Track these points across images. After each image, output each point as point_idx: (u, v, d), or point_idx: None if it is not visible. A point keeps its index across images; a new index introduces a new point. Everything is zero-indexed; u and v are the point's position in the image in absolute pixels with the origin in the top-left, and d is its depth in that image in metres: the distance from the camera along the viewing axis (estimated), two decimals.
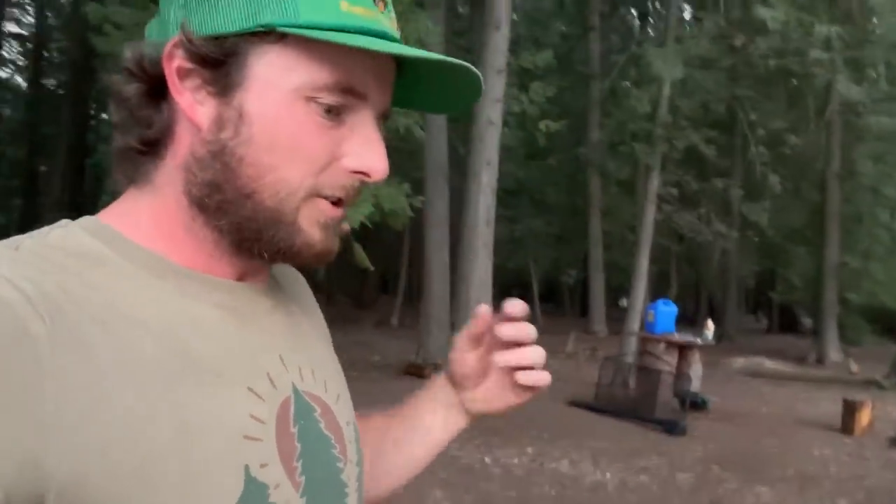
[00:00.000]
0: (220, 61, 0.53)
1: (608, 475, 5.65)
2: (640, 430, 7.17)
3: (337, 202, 0.57)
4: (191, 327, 0.54)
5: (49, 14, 22.88)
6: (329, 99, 0.54)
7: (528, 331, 0.72)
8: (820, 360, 14.47)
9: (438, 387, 0.82)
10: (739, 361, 13.10)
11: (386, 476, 0.81)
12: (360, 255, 5.97)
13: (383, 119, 0.59)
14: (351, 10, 0.53)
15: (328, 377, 0.66)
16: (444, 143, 10.43)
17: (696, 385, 8.18)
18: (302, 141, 0.54)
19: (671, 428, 7.06)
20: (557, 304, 27.36)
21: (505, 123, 13.42)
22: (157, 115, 0.55)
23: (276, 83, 0.53)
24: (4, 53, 23.95)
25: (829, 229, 14.88)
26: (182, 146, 0.55)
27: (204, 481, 0.49)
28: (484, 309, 0.73)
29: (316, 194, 0.56)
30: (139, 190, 0.57)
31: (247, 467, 0.52)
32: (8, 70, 25.02)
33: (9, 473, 0.42)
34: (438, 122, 10.37)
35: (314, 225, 0.56)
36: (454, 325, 9.42)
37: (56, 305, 0.46)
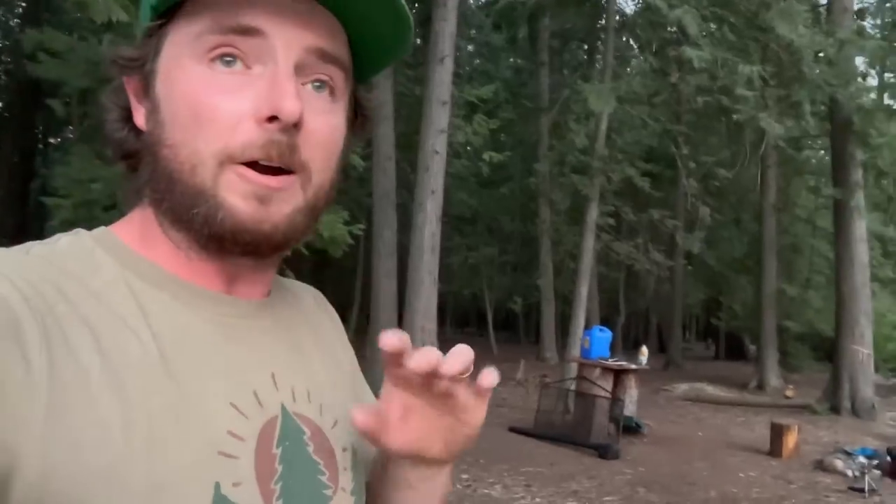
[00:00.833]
0: (143, 64, 0.55)
1: (538, 499, 5.76)
2: (576, 455, 7.31)
3: (273, 169, 0.53)
4: (179, 338, 0.53)
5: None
6: (216, 47, 0.52)
7: (436, 354, 0.56)
8: (760, 386, 14.90)
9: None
10: (682, 387, 13.42)
11: None
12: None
13: (330, 62, 0.55)
14: None
15: (325, 401, 0.63)
16: (392, 172, 10.59)
17: (631, 409, 8.37)
18: (200, 104, 0.51)
19: (604, 452, 7.22)
20: (514, 331, 27.62)
21: (457, 155, 13.75)
22: (130, 135, 0.57)
23: (172, 57, 0.54)
24: None
25: (767, 259, 15.46)
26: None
27: (170, 493, 0.48)
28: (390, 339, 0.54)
29: (230, 160, 0.52)
30: (140, 204, 0.58)
31: (217, 485, 0.50)
32: None
33: None
34: (386, 151, 10.54)
35: (237, 195, 0.52)
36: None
37: (49, 306, 0.47)
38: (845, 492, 6.39)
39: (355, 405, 0.57)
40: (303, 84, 0.54)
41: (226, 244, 0.54)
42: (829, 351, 18.44)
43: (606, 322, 20.65)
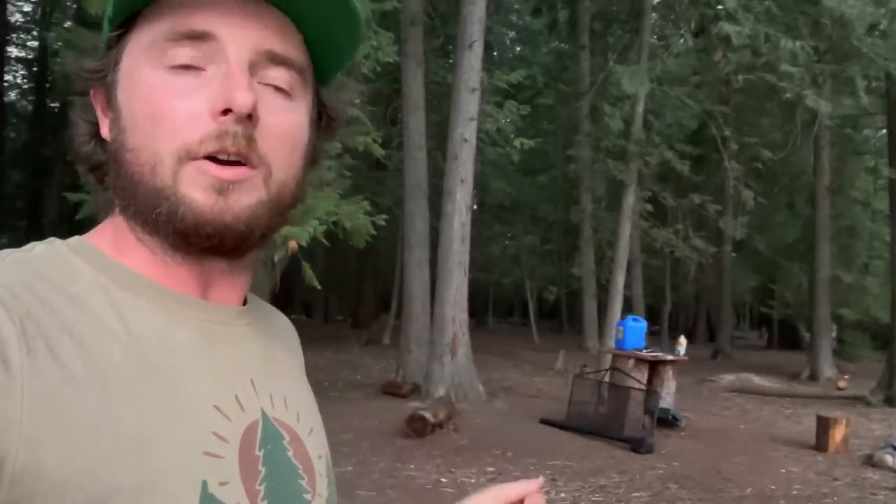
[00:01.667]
0: (104, 74, 0.57)
1: (562, 494, 5.61)
2: (608, 449, 7.11)
3: (232, 162, 0.53)
4: (161, 342, 0.54)
5: (51, 35, 23.39)
6: (170, 52, 0.53)
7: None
8: (813, 377, 14.29)
9: None
10: (727, 378, 12.97)
11: None
12: (309, 273, 6.03)
13: (283, 63, 0.56)
14: None
15: (302, 409, 0.65)
16: (424, 162, 10.51)
17: (668, 401, 8.10)
18: (156, 106, 0.53)
19: (637, 446, 7.00)
20: (558, 320, 27.30)
21: (494, 142, 13.55)
22: (97, 147, 0.59)
23: (130, 65, 0.55)
24: (11, 77, 24.50)
25: (820, 244, 14.77)
26: None
27: (159, 492, 0.49)
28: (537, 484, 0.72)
29: (189, 156, 0.53)
30: (111, 213, 0.59)
31: (205, 483, 0.51)
32: (14, 94, 25.58)
33: None
34: (417, 141, 10.46)
35: (195, 188, 0.53)
36: (433, 343, 9.43)
37: (27, 311, 0.48)
38: (895, 489, 6.01)
39: None
40: (258, 83, 0.55)
41: (190, 239, 0.54)
42: (888, 339, 17.62)
43: (652, 311, 20.20)
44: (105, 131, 0.57)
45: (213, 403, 0.55)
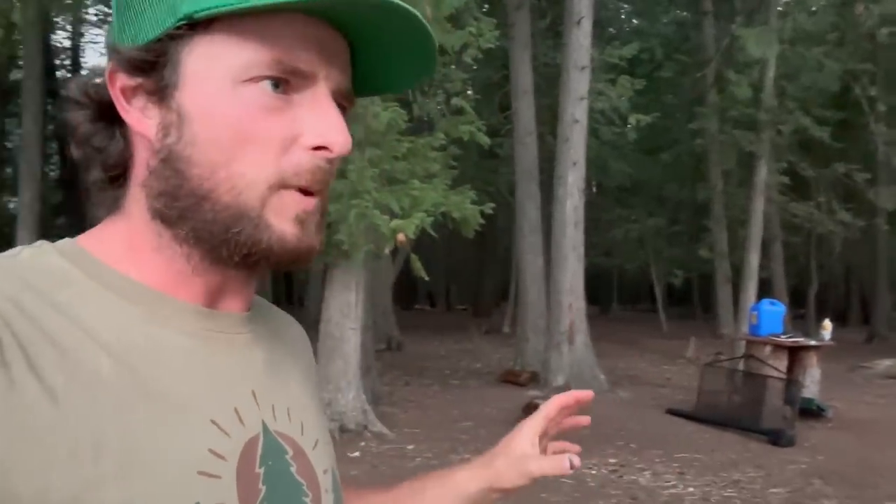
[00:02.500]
0: (154, 68, 0.52)
1: (690, 489, 5.28)
2: (742, 441, 6.63)
3: (307, 192, 0.53)
4: (155, 353, 0.52)
5: None
6: (267, 79, 0.51)
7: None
8: None
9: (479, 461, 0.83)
10: (885, 363, 11.70)
11: None
12: (417, 265, 6.06)
13: (345, 100, 0.56)
14: None
15: (306, 421, 0.62)
16: (534, 147, 10.30)
17: (812, 390, 7.42)
18: (248, 128, 0.51)
19: (777, 438, 6.46)
20: (689, 306, 25.95)
21: (610, 121, 13.03)
22: (112, 142, 0.55)
23: (208, 74, 0.52)
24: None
25: None
26: (140, 165, 0.54)
27: None
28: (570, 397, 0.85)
29: (281, 185, 0.52)
30: (113, 216, 0.56)
31: None
32: None
33: None
34: (526, 126, 10.26)
35: (285, 219, 0.52)
36: (549, 331, 9.24)
37: (6, 322, 0.46)
38: None
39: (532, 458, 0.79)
40: None
41: (261, 262, 0.53)
42: None
43: (796, 293, 18.65)
44: (147, 130, 0.53)
45: (210, 418, 0.52)
